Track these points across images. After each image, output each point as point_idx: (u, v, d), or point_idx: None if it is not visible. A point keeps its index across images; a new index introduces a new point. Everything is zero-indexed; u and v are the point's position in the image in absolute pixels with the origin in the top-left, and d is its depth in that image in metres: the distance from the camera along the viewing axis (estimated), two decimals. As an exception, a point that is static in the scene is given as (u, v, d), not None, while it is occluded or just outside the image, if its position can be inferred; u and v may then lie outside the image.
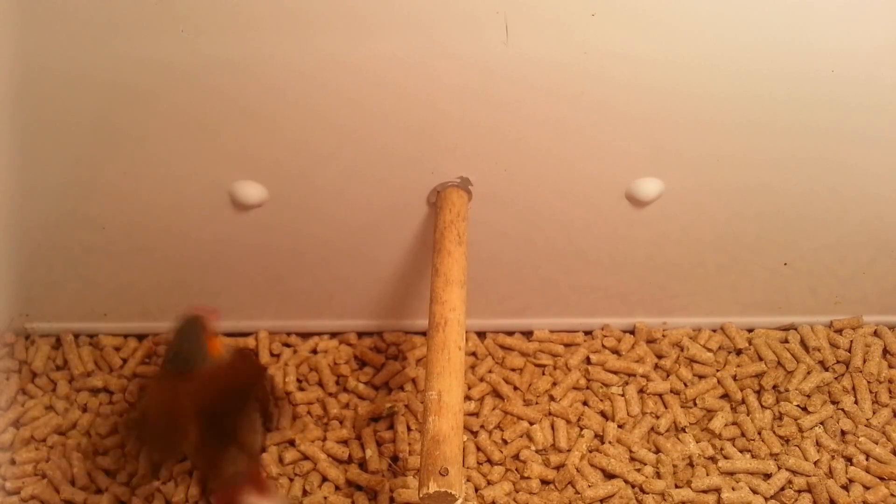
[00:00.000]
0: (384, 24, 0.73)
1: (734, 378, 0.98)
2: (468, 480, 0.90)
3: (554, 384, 0.97)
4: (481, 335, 1.01)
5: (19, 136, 0.80)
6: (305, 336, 1.02)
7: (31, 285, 0.96)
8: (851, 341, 1.01)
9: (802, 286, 0.99)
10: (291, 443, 0.93)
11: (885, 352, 1.01)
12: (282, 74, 0.75)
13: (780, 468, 0.92)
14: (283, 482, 0.90)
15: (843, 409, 0.96)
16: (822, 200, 0.89)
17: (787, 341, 1.02)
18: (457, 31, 0.73)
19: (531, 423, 0.94)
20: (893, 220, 0.92)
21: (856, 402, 0.97)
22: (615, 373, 0.98)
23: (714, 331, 1.02)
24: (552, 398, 0.96)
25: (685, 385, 0.98)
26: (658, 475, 0.91)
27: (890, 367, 0.99)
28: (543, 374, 0.99)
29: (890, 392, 0.98)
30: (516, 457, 0.92)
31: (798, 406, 0.96)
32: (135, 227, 0.89)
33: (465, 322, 0.79)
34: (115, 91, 0.77)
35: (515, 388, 0.97)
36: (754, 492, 0.90)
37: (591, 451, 0.93)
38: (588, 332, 1.02)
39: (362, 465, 0.92)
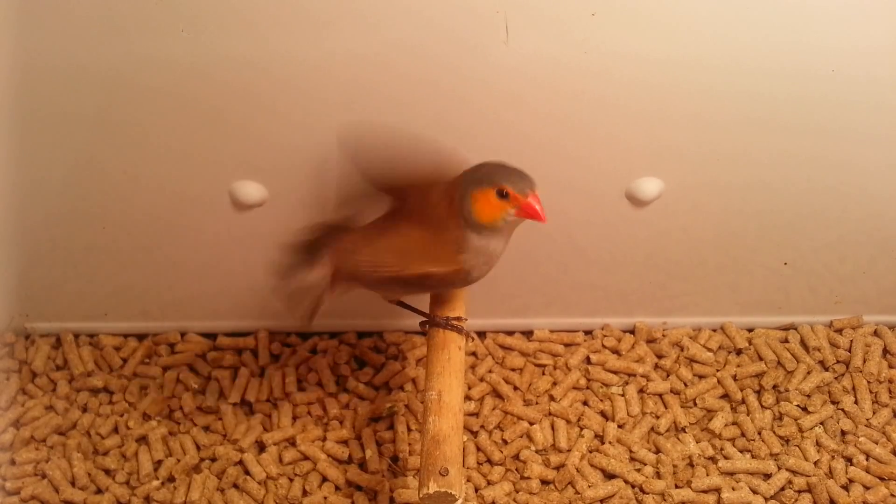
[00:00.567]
0: (384, 24, 0.73)
1: (734, 378, 0.98)
2: (468, 480, 0.90)
3: (554, 384, 0.97)
4: (481, 335, 1.01)
5: (19, 135, 0.80)
6: (305, 336, 1.02)
7: (31, 285, 0.96)
8: (851, 341, 1.01)
9: (802, 286, 0.99)
10: (291, 442, 0.93)
11: (886, 352, 1.01)
12: (283, 73, 0.76)
13: (780, 468, 0.91)
14: (282, 482, 0.90)
15: (843, 409, 0.96)
16: (823, 199, 0.89)
17: (787, 341, 1.02)
18: (457, 30, 0.73)
19: (531, 423, 0.94)
20: (894, 219, 0.92)
21: (856, 402, 0.97)
22: (615, 373, 0.98)
23: (714, 330, 1.02)
24: (552, 398, 0.96)
25: (685, 385, 0.98)
26: (658, 475, 0.91)
27: (890, 366, 0.99)
28: (543, 373, 0.99)
29: (890, 392, 0.98)
30: (516, 457, 0.92)
31: (798, 406, 0.96)
32: (135, 226, 0.89)
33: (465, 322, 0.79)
34: (115, 90, 0.77)
35: (515, 388, 0.97)
36: (754, 492, 0.90)
37: (591, 451, 0.93)
38: (588, 332, 1.02)
39: (362, 465, 0.92)
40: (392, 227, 0.74)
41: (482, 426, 0.94)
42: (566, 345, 1.01)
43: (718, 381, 0.98)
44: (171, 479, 0.91)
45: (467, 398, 0.95)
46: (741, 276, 0.97)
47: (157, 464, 0.92)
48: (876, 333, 1.02)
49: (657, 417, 0.95)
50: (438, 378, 0.74)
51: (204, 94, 0.77)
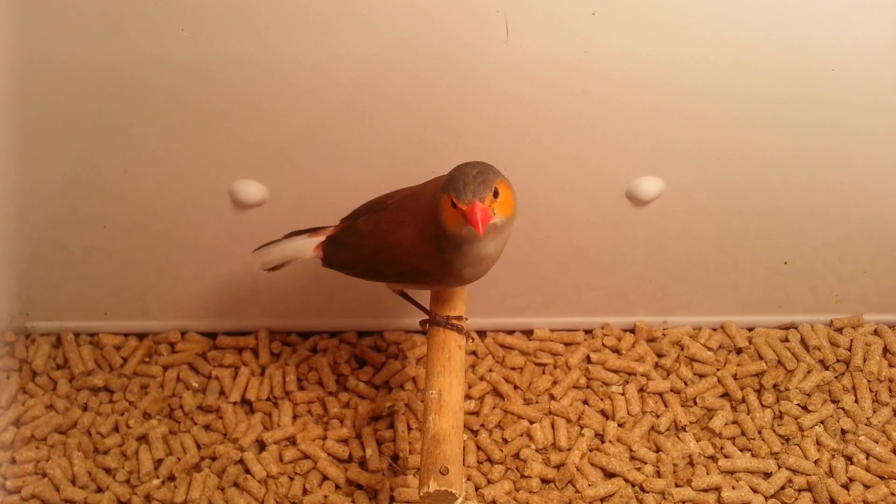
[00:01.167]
0: (384, 24, 0.73)
1: (734, 377, 0.98)
2: (468, 479, 0.90)
3: (554, 383, 0.97)
4: (481, 334, 1.01)
5: (20, 135, 0.80)
6: (305, 335, 1.02)
7: (32, 284, 0.96)
8: (852, 340, 1.01)
9: (803, 285, 0.99)
10: (292, 441, 0.93)
11: (886, 351, 1.01)
12: (283, 72, 0.76)
13: (780, 467, 0.92)
14: (283, 481, 0.90)
15: (843, 408, 0.96)
16: (823, 198, 0.89)
17: (787, 340, 1.02)
18: (457, 30, 0.73)
19: (531, 422, 0.94)
20: (894, 219, 0.92)
21: (856, 401, 0.97)
22: (615, 372, 0.98)
23: (714, 330, 1.02)
24: (552, 397, 0.96)
25: (685, 384, 0.98)
26: (658, 474, 0.91)
27: (890, 366, 0.99)
28: (544, 372, 0.99)
29: (890, 391, 0.98)
30: (516, 456, 0.92)
31: (798, 405, 0.96)
32: (135, 226, 0.89)
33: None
34: (115, 89, 0.77)
35: (516, 387, 0.97)
36: (754, 491, 0.90)
37: (591, 450, 0.93)
38: (588, 331, 1.02)
39: (362, 464, 0.92)
40: (390, 218, 0.74)
41: (482, 425, 0.94)
42: (566, 344, 1.01)
43: (719, 380, 0.98)
44: (172, 477, 0.91)
45: (467, 397, 0.95)
46: (741, 275, 0.97)
47: (158, 462, 0.92)
48: (876, 332, 1.02)
49: (657, 416, 0.95)
50: (439, 377, 0.74)
51: (204, 94, 0.77)
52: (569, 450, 0.93)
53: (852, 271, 0.98)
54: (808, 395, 0.97)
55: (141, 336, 1.01)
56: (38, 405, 0.96)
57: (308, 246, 0.80)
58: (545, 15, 0.72)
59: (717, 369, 0.99)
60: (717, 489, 0.90)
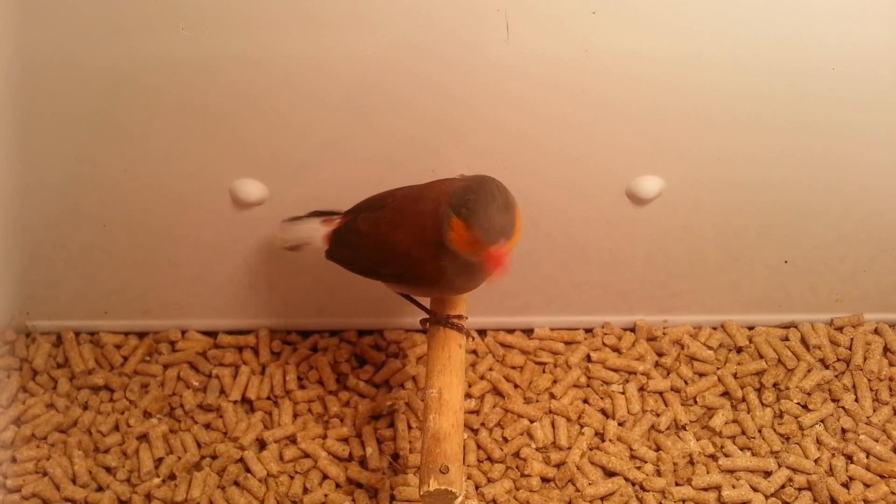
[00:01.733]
0: (384, 23, 0.73)
1: (735, 376, 0.98)
2: (468, 478, 0.90)
3: (554, 382, 0.97)
4: (482, 333, 1.01)
5: (20, 134, 0.80)
6: (306, 334, 1.02)
7: (32, 283, 0.96)
8: (852, 339, 1.01)
9: (803, 284, 0.99)
10: (292, 440, 0.93)
11: (886, 350, 1.01)
12: (283, 71, 0.76)
13: (780, 466, 0.92)
14: (283, 480, 0.90)
15: (843, 407, 0.96)
16: (823, 197, 0.89)
17: (787, 339, 1.02)
18: (458, 29, 0.73)
19: (531, 421, 0.94)
20: (894, 218, 0.92)
21: (856, 400, 0.97)
22: (616, 371, 0.98)
23: (714, 328, 1.02)
24: (553, 396, 0.96)
25: (686, 383, 0.98)
26: (658, 473, 0.91)
27: (890, 364, 0.99)
28: (544, 371, 0.99)
29: (890, 390, 0.98)
30: (517, 454, 0.92)
31: (798, 404, 0.96)
32: (135, 225, 0.89)
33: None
34: (115, 88, 0.77)
35: (516, 386, 0.97)
36: (755, 489, 0.90)
37: (591, 449, 0.93)
38: (588, 330, 1.02)
39: (363, 462, 0.92)
40: (388, 220, 0.74)
41: (482, 424, 0.94)
42: (567, 343, 1.01)
43: (719, 379, 0.98)
44: (172, 476, 0.91)
45: (468, 396, 0.95)
46: (742, 274, 0.97)
47: (158, 461, 0.92)
48: (876, 331, 1.02)
49: (657, 415, 0.95)
50: (439, 376, 0.74)
51: (204, 94, 0.77)
52: (569, 448, 0.93)
53: (852, 270, 0.98)
54: (809, 393, 0.97)
55: (141, 335, 1.01)
56: (38, 404, 0.96)
57: (320, 233, 0.80)
58: (545, 14, 0.72)
59: (718, 368, 0.99)
60: (718, 488, 0.90)
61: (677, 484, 0.91)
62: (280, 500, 0.89)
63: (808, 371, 0.98)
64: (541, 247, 0.92)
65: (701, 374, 0.99)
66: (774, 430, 0.94)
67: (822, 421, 0.95)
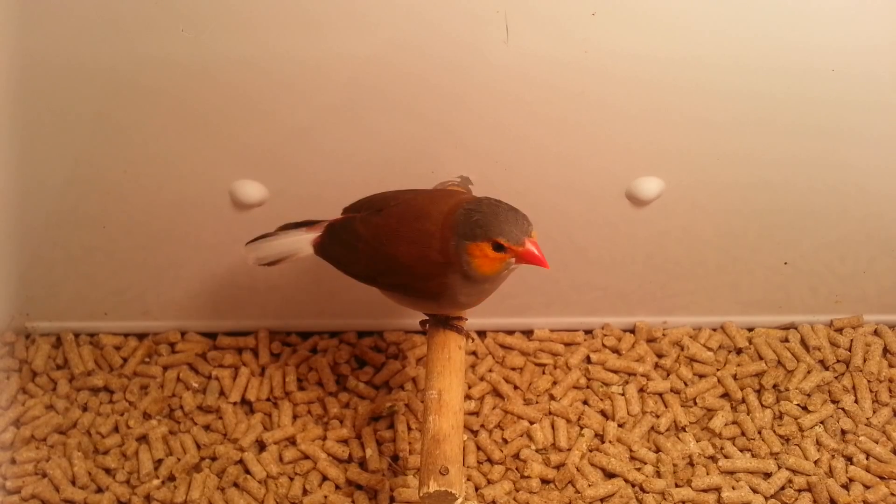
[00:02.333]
0: (384, 24, 0.73)
1: (734, 377, 0.98)
2: (468, 479, 0.90)
3: (554, 383, 0.97)
4: (481, 334, 1.01)
5: (19, 135, 0.80)
6: (305, 335, 1.02)
7: (32, 284, 0.96)
8: (852, 340, 1.01)
9: (803, 285, 0.99)
10: (292, 441, 0.93)
11: (886, 351, 1.01)
12: (283, 72, 0.76)
13: (780, 467, 0.92)
14: (282, 481, 0.90)
15: (843, 409, 0.96)
16: (823, 199, 0.89)
17: (787, 340, 1.02)
18: (457, 30, 0.73)
19: (531, 423, 0.94)
20: (894, 219, 0.92)
21: (856, 402, 0.97)
22: (615, 372, 0.98)
23: (714, 330, 1.02)
24: (552, 397, 0.96)
25: (685, 384, 0.98)
26: (658, 474, 0.91)
27: (890, 366, 0.99)
28: (544, 373, 0.99)
29: (890, 391, 0.98)
30: (516, 456, 0.92)
31: (798, 405, 0.96)
32: (135, 226, 0.89)
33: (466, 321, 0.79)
34: (115, 89, 0.77)
35: (516, 388, 0.97)
36: (754, 491, 0.90)
37: (591, 451, 0.93)
38: (588, 332, 1.02)
39: (362, 464, 0.92)
40: (389, 229, 0.73)
41: (482, 425, 0.94)
42: (566, 344, 1.01)
43: (719, 381, 0.98)
44: (172, 478, 0.91)
45: (467, 397, 0.95)
46: (741, 275, 0.97)
47: (158, 463, 0.92)
48: (876, 333, 1.02)
49: (657, 417, 0.95)
50: (439, 377, 0.74)
51: (204, 94, 0.77)
52: (569, 450, 0.93)
53: (852, 271, 0.98)
54: (808, 395, 0.97)
55: (141, 336, 1.01)
56: (37, 405, 0.96)
57: (305, 242, 0.78)
58: (545, 15, 0.72)
59: (717, 369, 0.99)
60: (717, 489, 0.90)
61: (677, 485, 0.91)
62: (280, 501, 0.89)
63: (808, 372, 0.98)
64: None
65: (701, 376, 0.99)
66: (774, 431, 0.94)
67: (821, 422, 0.95)
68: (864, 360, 0.99)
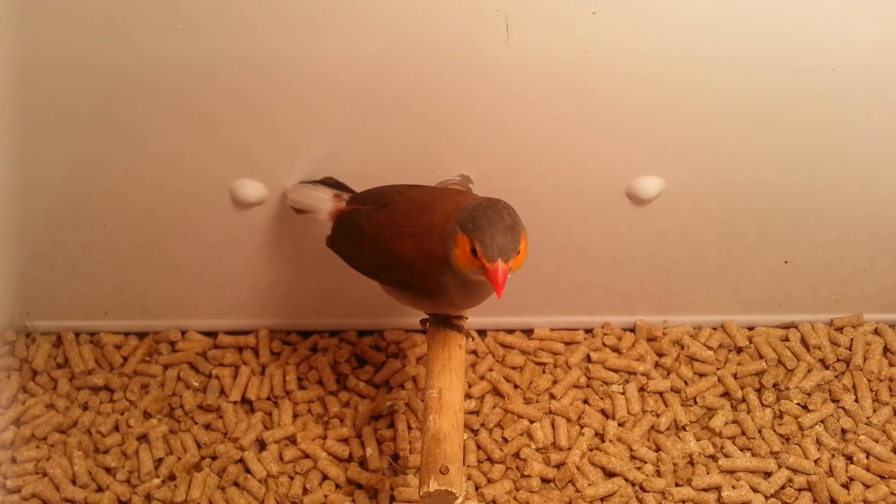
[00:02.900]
0: (384, 23, 0.73)
1: (735, 376, 0.98)
2: (468, 479, 0.90)
3: (554, 382, 0.97)
4: (482, 333, 1.01)
5: (20, 134, 0.80)
6: (306, 334, 1.02)
7: (32, 283, 0.96)
8: (852, 339, 1.01)
9: (803, 284, 0.99)
10: (292, 441, 0.93)
11: (886, 350, 1.01)
12: (283, 71, 0.76)
13: (780, 466, 0.92)
14: (283, 480, 0.90)
15: (843, 408, 0.96)
16: (823, 198, 0.89)
17: (787, 339, 1.02)
18: (457, 29, 0.73)
19: (531, 422, 0.94)
20: (894, 218, 0.92)
21: (856, 401, 0.97)
22: (616, 371, 0.98)
23: (714, 329, 1.02)
24: (553, 396, 0.96)
25: (685, 383, 0.98)
26: (658, 473, 0.91)
27: (890, 365, 0.99)
28: (544, 372, 0.99)
29: (890, 390, 0.98)
30: (517, 455, 0.92)
31: (798, 404, 0.96)
32: (135, 225, 0.89)
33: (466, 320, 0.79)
34: (115, 89, 0.77)
35: (516, 387, 0.97)
36: (755, 490, 0.90)
37: (591, 450, 0.93)
38: (588, 331, 1.02)
39: (362, 463, 0.92)
40: (393, 225, 0.73)
41: (482, 424, 0.94)
42: (566, 343, 1.01)
43: (719, 380, 0.98)
44: (172, 477, 0.91)
45: (468, 396, 0.95)
46: (742, 274, 0.97)
47: (158, 462, 0.92)
48: (876, 332, 1.02)
49: (657, 416, 0.95)
50: (439, 376, 0.74)
51: (204, 94, 0.77)
52: (569, 449, 0.93)
53: (852, 271, 0.98)
54: (809, 394, 0.97)
55: (141, 335, 1.01)
56: (38, 404, 0.96)
57: (327, 206, 0.80)
58: (545, 14, 0.72)
59: (718, 368, 0.99)
60: (718, 489, 0.90)
61: (677, 484, 0.91)
62: (280, 500, 0.89)
63: (808, 371, 0.98)
64: (541, 247, 0.92)
65: (701, 375, 0.99)
66: (774, 430, 0.94)
67: (822, 421, 0.95)
68: (865, 359, 0.99)
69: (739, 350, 1.01)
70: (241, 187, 0.85)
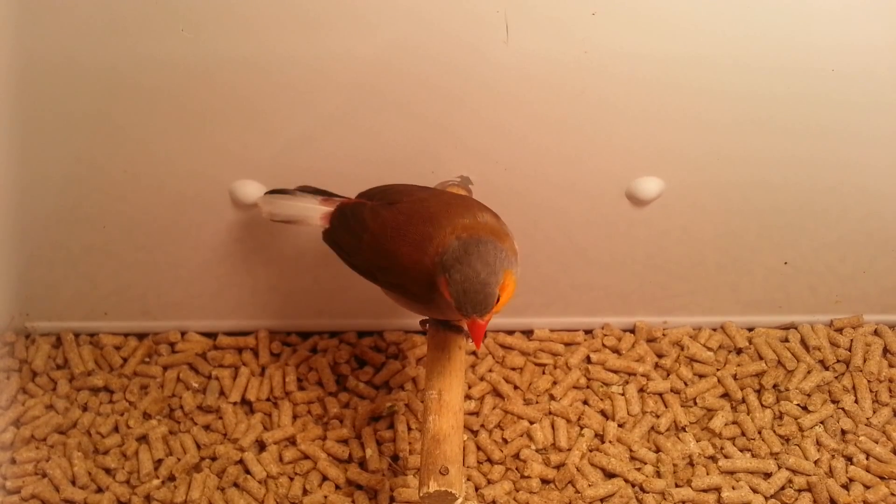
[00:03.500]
0: (384, 24, 0.73)
1: (734, 377, 0.98)
2: (468, 479, 0.90)
3: (554, 383, 0.97)
4: (481, 334, 1.01)
5: (20, 135, 0.80)
6: (305, 335, 1.02)
7: (32, 284, 0.96)
8: (852, 340, 1.01)
9: (803, 285, 0.99)
10: (292, 441, 0.93)
11: (886, 351, 1.01)
12: (282, 72, 0.76)
13: (780, 467, 0.92)
14: (282, 481, 0.90)
15: (843, 409, 0.96)
16: (823, 198, 0.89)
17: (787, 340, 1.02)
18: (457, 30, 0.73)
19: (531, 423, 0.94)
20: (894, 219, 0.92)
21: (856, 402, 0.97)
22: (615, 372, 0.98)
23: (714, 330, 1.02)
24: (552, 397, 0.96)
25: (685, 384, 0.98)
26: (658, 474, 0.91)
27: (890, 366, 0.99)
28: (544, 373, 0.99)
29: (890, 391, 0.98)
30: (516, 456, 0.92)
31: (798, 405, 0.96)
32: (135, 225, 0.89)
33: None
34: (115, 89, 0.77)
35: (516, 388, 0.97)
36: (754, 491, 0.90)
37: (591, 451, 0.93)
38: (588, 332, 1.02)
39: (362, 464, 0.92)
40: (396, 226, 0.72)
41: (482, 425, 0.94)
42: (566, 344, 1.01)
43: (719, 381, 0.98)
44: (172, 478, 0.91)
45: (467, 397, 0.95)
46: (741, 275, 0.97)
47: (158, 463, 0.92)
48: (876, 333, 1.02)
49: (657, 416, 0.95)
50: (438, 377, 0.74)
51: (204, 94, 0.77)
52: (569, 450, 0.93)
53: (852, 271, 0.98)
54: (808, 395, 0.97)
55: (141, 336, 1.01)
56: (37, 405, 0.96)
57: (318, 212, 0.78)
58: (545, 15, 0.72)
59: (717, 369, 0.99)
60: (717, 489, 0.90)
61: (677, 485, 0.91)
62: (280, 501, 0.89)
63: (808, 372, 0.98)
64: (540, 248, 0.92)
65: (701, 376, 0.99)
66: (774, 431, 0.94)
67: (821, 422, 0.95)
68: (864, 360, 0.99)
69: (739, 351, 1.01)
70: (241, 188, 0.85)
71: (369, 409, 0.95)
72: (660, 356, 1.00)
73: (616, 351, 1.00)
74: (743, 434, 0.94)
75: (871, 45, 0.76)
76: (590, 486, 0.90)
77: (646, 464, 0.92)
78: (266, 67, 0.75)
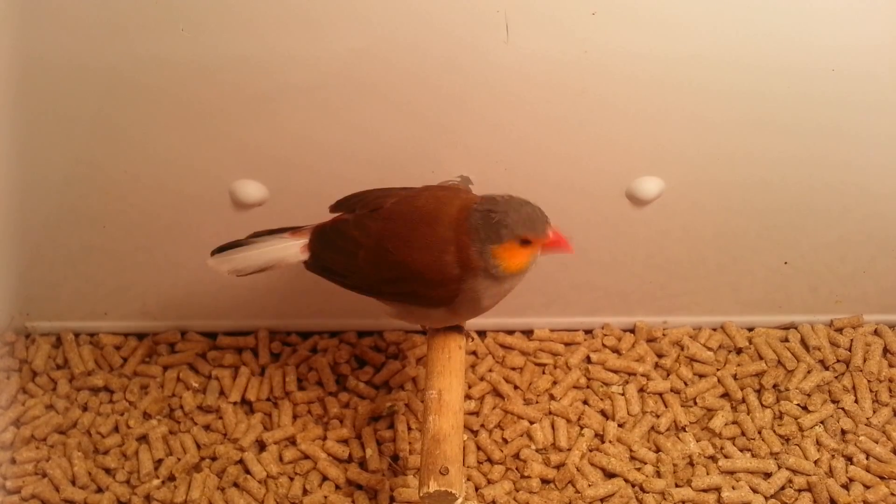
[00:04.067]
0: (384, 23, 0.73)
1: (734, 377, 0.98)
2: (468, 479, 0.90)
3: (554, 383, 0.97)
4: (481, 334, 1.01)
5: (19, 134, 0.80)
6: (305, 335, 1.02)
7: (32, 284, 0.96)
8: (852, 340, 1.01)
9: (803, 285, 0.99)
10: (292, 441, 0.93)
11: (886, 351, 1.01)
12: (283, 72, 0.76)
13: (780, 467, 0.92)
14: (282, 481, 0.90)
15: (843, 409, 0.96)
16: (823, 198, 0.89)
17: (787, 340, 1.02)
18: (457, 30, 0.73)
19: (531, 423, 0.94)
20: (894, 219, 0.92)
21: (856, 402, 0.97)
22: (615, 372, 0.98)
23: (714, 330, 1.02)
24: (552, 397, 0.96)
25: (685, 384, 0.98)
26: (658, 474, 0.91)
27: (890, 366, 0.99)
28: (544, 373, 0.99)
29: (890, 391, 0.98)
30: (516, 456, 0.92)
31: (798, 405, 0.96)
32: (135, 225, 0.89)
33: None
34: (115, 89, 0.77)
35: (516, 387, 0.97)
36: (754, 491, 0.90)
37: (591, 451, 0.93)
38: (588, 331, 1.02)
39: (362, 464, 0.92)
40: (395, 235, 0.70)
41: (482, 425, 0.94)
42: (566, 344, 1.01)
43: (719, 381, 0.98)
44: (172, 477, 0.91)
45: (467, 397, 0.95)
46: (741, 275, 0.97)
47: (158, 463, 0.92)
48: (876, 333, 1.02)
49: (657, 416, 0.95)
50: (439, 377, 0.74)
51: (204, 94, 0.77)
52: (569, 450, 0.93)
53: (852, 271, 0.98)
54: (808, 395, 0.97)
55: (141, 336, 1.01)
56: (37, 405, 0.96)
57: (293, 248, 0.74)
58: (545, 15, 0.72)
59: (717, 369, 0.99)
60: (718, 489, 0.90)
61: (677, 485, 0.91)
62: (280, 501, 0.89)
63: (808, 372, 0.98)
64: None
65: (701, 376, 0.99)
66: (774, 431, 0.94)
67: (821, 422, 0.95)
68: (864, 360, 0.99)
69: (739, 351, 1.01)
70: (241, 187, 0.85)
71: (369, 408, 0.95)
72: (660, 356, 1.00)
73: (616, 351, 1.00)
74: (743, 434, 0.94)
75: (871, 45, 0.76)
76: (590, 486, 0.90)
77: (646, 464, 0.92)
78: (266, 67, 0.75)
